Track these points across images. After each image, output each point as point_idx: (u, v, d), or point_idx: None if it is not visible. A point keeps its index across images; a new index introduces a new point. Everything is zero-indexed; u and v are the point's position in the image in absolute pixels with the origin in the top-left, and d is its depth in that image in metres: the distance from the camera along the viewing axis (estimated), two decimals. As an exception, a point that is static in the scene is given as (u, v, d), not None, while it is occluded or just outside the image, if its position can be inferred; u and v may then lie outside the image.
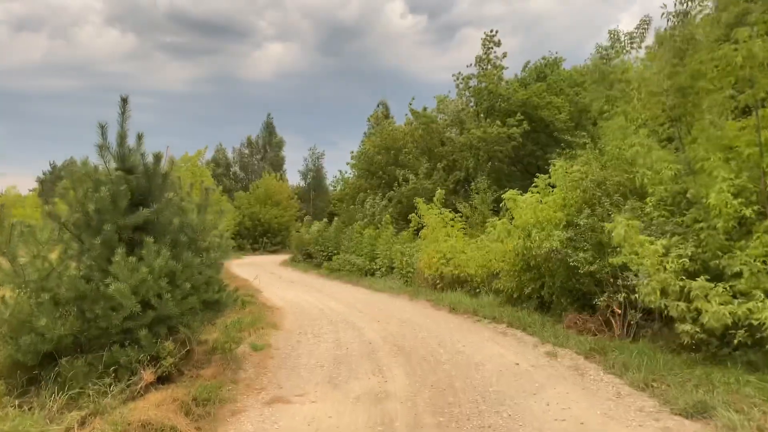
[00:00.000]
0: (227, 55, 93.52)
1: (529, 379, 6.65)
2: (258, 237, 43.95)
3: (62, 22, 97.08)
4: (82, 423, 5.09)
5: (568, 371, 6.95)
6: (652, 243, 7.11)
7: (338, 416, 5.50)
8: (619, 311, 8.77)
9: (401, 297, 14.72)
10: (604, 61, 22.95)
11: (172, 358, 6.34)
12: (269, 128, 54.46)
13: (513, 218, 11.73)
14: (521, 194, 11.43)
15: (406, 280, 16.94)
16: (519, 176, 27.16)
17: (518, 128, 24.11)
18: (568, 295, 10.11)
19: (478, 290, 13.48)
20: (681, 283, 6.73)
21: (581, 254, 9.24)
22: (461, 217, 15.44)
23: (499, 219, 12.47)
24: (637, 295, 8.41)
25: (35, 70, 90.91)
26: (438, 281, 14.97)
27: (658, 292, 6.96)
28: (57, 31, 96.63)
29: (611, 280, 8.97)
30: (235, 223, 41.09)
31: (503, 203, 11.80)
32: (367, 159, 29.07)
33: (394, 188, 26.85)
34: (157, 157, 7.22)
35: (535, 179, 11.87)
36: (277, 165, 53.22)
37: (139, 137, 7.34)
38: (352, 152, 30.08)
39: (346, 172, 30.66)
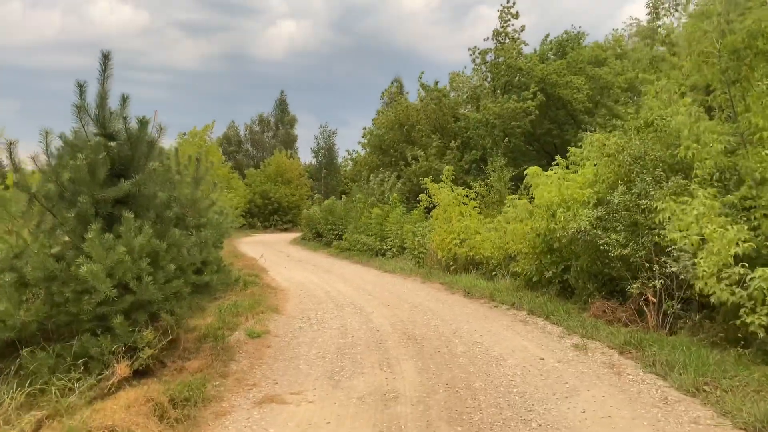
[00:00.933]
0: (240, 32, 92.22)
1: (557, 378, 5.78)
2: (269, 215, 43.27)
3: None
4: (38, 427, 4.31)
5: (602, 369, 6.06)
6: (726, 229, 6.11)
7: (338, 422, 4.67)
8: (654, 299, 7.85)
9: (413, 279, 13.88)
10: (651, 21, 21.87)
11: (152, 349, 5.53)
12: (282, 105, 53.42)
13: (533, 197, 10.81)
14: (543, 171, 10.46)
15: (418, 261, 16.08)
16: (535, 155, 26.06)
17: (533, 101, 22.97)
18: (594, 281, 9.20)
19: (494, 273, 12.59)
20: (741, 270, 5.79)
21: (613, 236, 8.29)
22: (476, 196, 14.44)
23: (519, 198, 11.52)
24: (675, 282, 7.55)
25: (49, 47, 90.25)
26: (451, 263, 14.10)
27: (714, 278, 6.01)
28: (70, 8, 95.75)
29: (646, 264, 8.04)
30: (246, 201, 40.39)
31: (524, 181, 10.82)
32: (379, 136, 28.08)
33: (402, 167, 25.90)
34: (143, 122, 6.34)
35: (556, 158, 10.89)
36: (289, 143, 52.28)
37: (124, 99, 6.47)
38: (365, 128, 29.05)
39: (354, 151, 29.72)
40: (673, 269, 7.41)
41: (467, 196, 14.33)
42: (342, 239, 22.34)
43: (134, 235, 5.70)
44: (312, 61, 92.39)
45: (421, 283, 13.14)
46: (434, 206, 14.90)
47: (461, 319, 8.75)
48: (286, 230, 41.51)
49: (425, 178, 15.05)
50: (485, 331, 7.90)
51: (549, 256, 10.32)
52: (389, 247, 18.55)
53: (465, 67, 35.33)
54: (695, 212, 6.37)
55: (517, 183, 16.15)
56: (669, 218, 6.99)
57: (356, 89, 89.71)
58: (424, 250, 16.12)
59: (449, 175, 14.71)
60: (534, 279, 10.68)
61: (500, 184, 16.12)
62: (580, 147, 10.80)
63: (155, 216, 6.27)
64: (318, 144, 51.04)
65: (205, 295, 6.78)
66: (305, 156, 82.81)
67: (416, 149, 25.21)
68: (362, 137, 29.15)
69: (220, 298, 9.91)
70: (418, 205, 19.67)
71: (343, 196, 28.29)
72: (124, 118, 6.45)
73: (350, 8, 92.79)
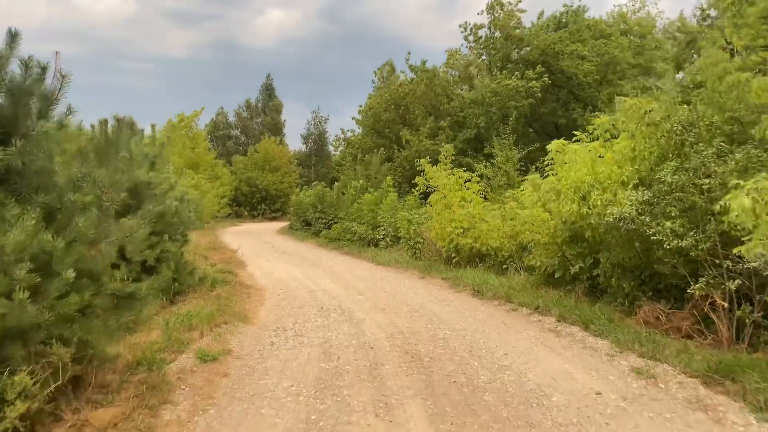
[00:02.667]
0: (229, 20, 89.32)
1: (633, 430, 3.93)
2: (256, 203, 41.23)
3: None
4: None
5: (690, 412, 4.22)
6: None
7: None
8: (725, 304, 6.02)
9: (410, 273, 12.00)
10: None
11: (31, 400, 3.61)
12: (268, 90, 51.08)
13: (545, 177, 8.96)
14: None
15: (414, 252, 14.22)
16: (535, 137, 24.18)
17: (538, 81, 21.05)
18: (631, 278, 7.36)
19: (505, 267, 10.73)
20: None
21: (667, 224, 6.43)
22: (480, 178, 12.46)
23: (535, 178, 9.64)
24: (754, 282, 5.73)
25: (34, 36, 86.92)
26: (453, 255, 12.22)
27: None
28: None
29: (709, 259, 6.21)
30: (231, 189, 38.32)
31: (547, 157, 8.90)
32: (374, 115, 26.09)
33: (396, 150, 24.00)
34: (27, 64, 4.35)
35: (575, 134, 9.00)
36: (277, 129, 50.02)
37: (12, 36, 4.46)
38: (360, 106, 27.05)
39: (348, 131, 27.68)
40: (754, 265, 5.59)
41: (468, 181, 12.36)
42: (331, 228, 20.41)
43: (7, 228, 3.75)
44: (301, 49, 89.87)
45: (420, 279, 11.27)
46: (432, 191, 12.98)
47: (475, 329, 6.89)
48: (274, 219, 39.52)
49: (421, 159, 13.10)
50: (510, 347, 6.03)
51: (574, 247, 8.49)
52: (382, 237, 16.66)
53: (461, 45, 33.28)
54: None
55: (526, 164, 14.30)
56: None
57: (346, 77, 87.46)
58: (421, 240, 14.25)
59: (449, 155, 12.77)
60: (556, 275, 8.85)
61: (508, 165, 14.20)
62: (592, 126, 8.91)
63: (50, 200, 4.30)
64: (308, 129, 48.88)
65: (130, 310, 4.79)
66: (294, 143, 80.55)
67: (411, 132, 23.31)
68: (358, 113, 27.11)
69: (178, 303, 8.01)
70: (413, 191, 17.81)
71: (335, 183, 26.33)
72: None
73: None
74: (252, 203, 41.10)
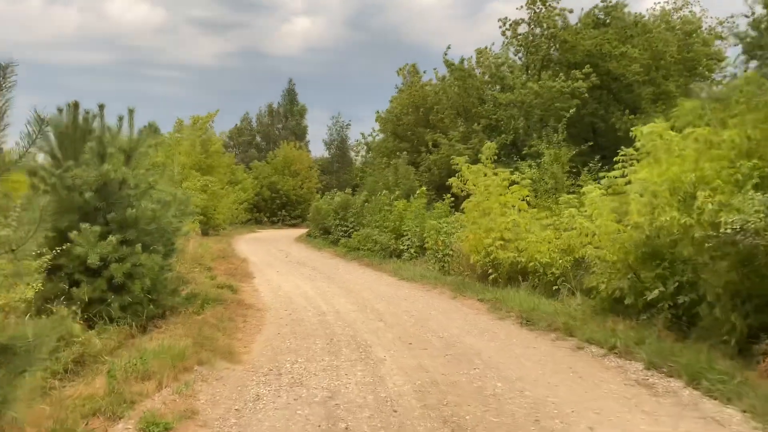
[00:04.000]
0: (255, 29, 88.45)
1: None
2: (276, 209, 39.77)
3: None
4: None
5: None
6: None
7: None
8: None
9: (439, 292, 10.15)
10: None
11: None
12: (291, 95, 49.67)
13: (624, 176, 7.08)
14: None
15: (443, 266, 12.36)
16: (570, 140, 22.12)
17: (585, 82, 19.06)
18: (755, 311, 5.41)
19: (555, 287, 8.82)
20: None
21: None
22: (526, 181, 10.41)
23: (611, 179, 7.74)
24: None
25: (68, 44, 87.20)
26: (490, 270, 10.32)
27: None
28: (87, 5, 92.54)
29: None
30: (253, 194, 36.92)
31: (636, 143, 6.93)
32: (395, 119, 24.33)
33: (422, 153, 22.19)
34: None
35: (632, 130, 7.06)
36: (300, 134, 48.58)
37: None
38: (378, 112, 25.28)
39: (369, 135, 25.93)
40: None
41: (515, 182, 10.37)
42: (351, 237, 18.64)
43: None
44: (326, 57, 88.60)
45: (452, 300, 9.41)
46: (465, 196, 11.11)
47: (535, 378, 5.02)
48: (294, 226, 37.91)
49: (458, 158, 11.22)
50: (592, 414, 4.15)
51: (652, 267, 6.57)
52: (406, 247, 14.82)
53: (493, 43, 31.41)
54: None
55: (576, 165, 12.36)
56: None
57: (370, 85, 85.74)
58: (451, 252, 12.39)
59: (491, 154, 10.84)
60: (626, 300, 6.93)
61: (556, 166, 12.21)
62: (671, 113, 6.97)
63: None
64: (330, 135, 47.32)
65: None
66: (318, 150, 79.38)
67: (436, 134, 21.50)
68: (375, 120, 25.35)
69: (152, 331, 6.30)
70: (441, 198, 15.98)
71: (355, 189, 24.54)
72: None
73: (364, 5, 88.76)
74: (272, 209, 39.66)
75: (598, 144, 19.15)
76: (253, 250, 19.74)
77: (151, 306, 6.44)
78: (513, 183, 10.42)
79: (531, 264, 9.10)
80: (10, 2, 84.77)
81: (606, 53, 20.25)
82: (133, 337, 6.02)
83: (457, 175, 11.19)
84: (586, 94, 19.50)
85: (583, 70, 19.68)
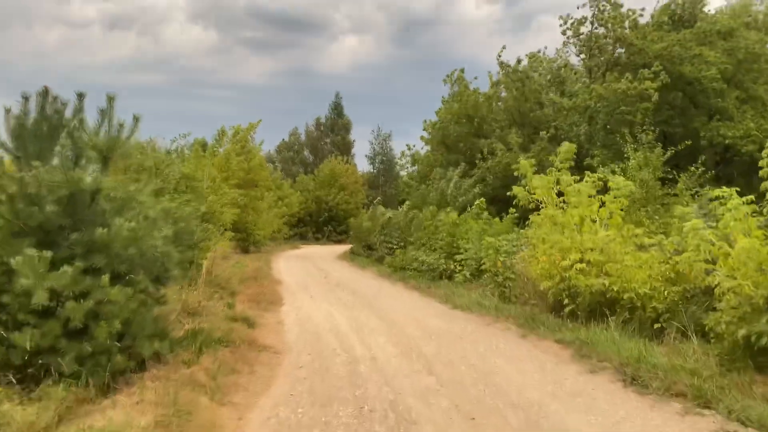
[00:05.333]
0: (304, 48, 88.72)
1: None
2: (322, 224, 38.38)
3: (150, 19, 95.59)
4: None
5: None
6: None
7: None
8: None
9: (502, 327, 8.11)
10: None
11: None
12: (337, 108, 48.55)
13: None
14: None
15: (503, 292, 10.30)
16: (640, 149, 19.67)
17: (654, 82, 16.71)
18: None
19: (660, 326, 6.66)
20: None
21: None
22: (625, 190, 8.07)
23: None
24: None
25: (125, 67, 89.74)
26: (566, 300, 8.20)
27: None
28: (145, 29, 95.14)
29: None
30: (299, 208, 35.66)
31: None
32: (443, 129, 22.42)
33: (478, 162, 20.16)
34: None
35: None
36: (345, 149, 47.31)
37: None
38: (425, 120, 23.42)
39: (414, 146, 24.07)
40: None
41: (607, 188, 8.12)
42: (395, 254, 16.78)
43: None
44: (373, 74, 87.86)
45: (521, 339, 7.36)
46: (537, 208, 9.06)
47: None
48: (339, 242, 36.37)
49: (522, 161, 9.19)
50: None
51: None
52: (459, 269, 12.82)
53: (546, 47, 29.11)
54: None
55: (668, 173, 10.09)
56: None
57: (417, 101, 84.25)
58: (513, 276, 10.34)
59: (569, 157, 8.75)
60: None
61: (646, 172, 9.90)
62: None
63: None
64: (374, 150, 45.79)
65: None
66: (365, 166, 78.22)
67: (494, 142, 19.47)
68: (423, 130, 23.46)
69: (113, 395, 4.56)
70: (501, 213, 14.02)
71: (402, 204, 22.69)
72: None
73: (411, 22, 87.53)
74: (318, 223, 38.31)
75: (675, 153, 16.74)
76: (291, 268, 18.14)
77: (120, 356, 4.71)
78: (601, 191, 8.24)
79: (626, 295, 6.96)
80: (74, 29, 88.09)
81: (677, 56, 17.79)
82: (88, 402, 4.31)
83: (520, 182, 9.16)
84: (656, 98, 17.07)
85: (652, 69, 17.31)
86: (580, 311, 8.03)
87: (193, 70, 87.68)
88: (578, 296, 8.10)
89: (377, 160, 46.50)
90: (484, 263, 10.94)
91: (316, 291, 12.28)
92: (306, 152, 51.25)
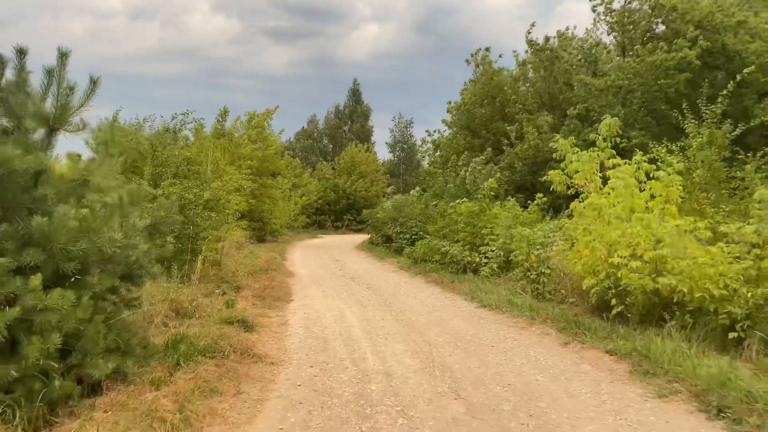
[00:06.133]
0: (325, 37, 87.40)
1: None
2: (341, 213, 37.35)
3: (173, 10, 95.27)
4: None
5: None
6: None
7: None
8: None
9: (540, 332, 6.92)
10: None
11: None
12: (356, 95, 47.34)
13: None
14: None
15: (536, 289, 9.10)
16: (674, 132, 18.08)
17: (692, 50, 15.18)
18: None
19: (737, 335, 5.41)
20: None
21: None
22: (675, 176, 6.69)
23: None
24: None
25: (149, 57, 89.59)
26: (613, 301, 6.97)
27: None
28: (168, 19, 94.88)
29: None
30: (317, 196, 34.66)
31: None
32: (467, 112, 21.08)
33: (505, 147, 18.83)
34: None
35: None
36: (365, 136, 46.11)
37: None
38: (449, 102, 22.08)
39: (435, 131, 22.75)
40: None
41: (666, 173, 6.70)
42: (415, 245, 15.63)
43: None
44: (394, 62, 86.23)
45: (562, 348, 6.17)
46: (576, 194, 7.82)
47: None
48: (359, 231, 35.31)
49: (561, 140, 7.92)
50: None
51: None
52: (485, 261, 11.63)
53: (575, 27, 27.48)
54: None
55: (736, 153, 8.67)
56: None
57: (439, 90, 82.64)
58: (548, 271, 9.13)
59: (612, 133, 7.45)
60: None
61: (710, 153, 8.44)
62: None
63: None
64: (394, 137, 44.49)
65: None
66: (385, 155, 76.99)
67: (523, 125, 18.13)
68: (447, 112, 22.11)
69: (59, 425, 3.52)
70: (531, 199, 12.82)
71: (423, 192, 21.46)
72: None
73: (433, 9, 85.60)
74: (337, 212, 37.29)
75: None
76: (306, 259, 17.13)
77: (61, 380, 3.67)
78: (652, 177, 6.93)
79: (698, 296, 5.71)
80: (100, 19, 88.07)
81: (717, 24, 16.11)
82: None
83: (555, 166, 7.89)
84: (697, 62, 15.44)
85: (688, 35, 15.69)
86: (631, 314, 6.82)
87: (215, 59, 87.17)
88: (626, 295, 6.89)
89: (398, 148, 45.22)
90: (515, 256, 9.72)
91: (329, 285, 11.21)
92: (325, 140, 50.25)
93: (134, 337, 4.60)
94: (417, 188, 19.38)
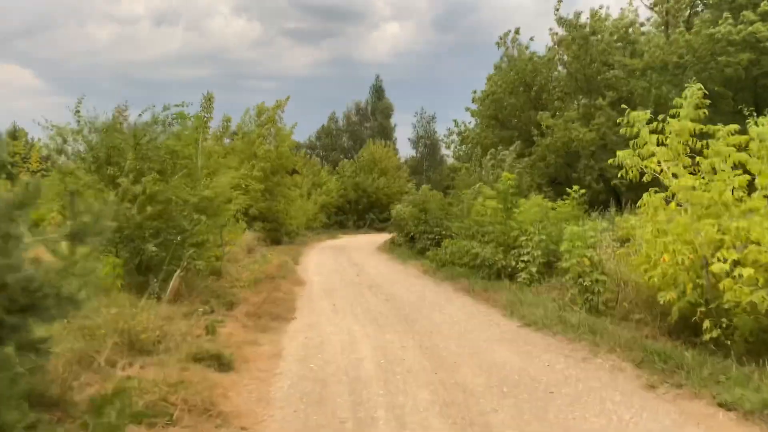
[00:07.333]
0: (346, 37, 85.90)
1: None
2: (363, 211, 35.70)
3: (195, 14, 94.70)
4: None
5: None
6: None
7: None
8: None
9: (610, 366, 5.13)
10: None
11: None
12: (378, 92, 45.61)
13: None
14: None
15: (588, 299, 7.29)
16: (729, 115, 16.00)
17: (765, 23, 13.15)
18: None
19: None
20: None
21: None
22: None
23: None
24: None
25: (173, 61, 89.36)
26: (706, 323, 5.16)
27: None
28: (191, 24, 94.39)
29: None
30: (337, 195, 33.07)
31: None
32: (495, 101, 19.22)
33: (536, 140, 16.99)
34: None
35: None
36: (386, 133, 44.39)
37: None
38: (474, 91, 20.25)
39: (462, 122, 20.92)
40: None
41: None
42: (440, 246, 13.91)
43: None
44: (415, 60, 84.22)
45: (646, 392, 4.39)
46: (648, 185, 6.01)
47: None
48: (381, 230, 33.61)
49: (635, 114, 6.12)
50: None
51: None
52: (523, 265, 9.84)
53: (609, 6, 25.35)
54: None
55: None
56: None
57: (460, 87, 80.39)
58: (603, 278, 7.32)
59: (699, 103, 5.64)
60: None
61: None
62: None
63: None
64: (417, 133, 42.68)
65: None
66: (408, 152, 75.33)
67: (553, 115, 16.29)
68: (472, 102, 20.27)
69: None
70: (563, 194, 11.07)
71: (447, 190, 19.67)
72: None
73: (453, 6, 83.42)
74: (359, 211, 35.65)
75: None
76: (321, 263, 15.54)
77: None
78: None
79: None
80: (124, 25, 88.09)
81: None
82: None
83: (630, 140, 6.06)
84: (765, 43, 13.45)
85: (759, 9, 13.67)
86: (732, 341, 5.03)
87: (238, 62, 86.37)
88: (728, 316, 5.10)
89: (421, 144, 43.40)
90: (564, 259, 7.91)
91: (341, 296, 9.56)
92: (345, 138, 48.69)
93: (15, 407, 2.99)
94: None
